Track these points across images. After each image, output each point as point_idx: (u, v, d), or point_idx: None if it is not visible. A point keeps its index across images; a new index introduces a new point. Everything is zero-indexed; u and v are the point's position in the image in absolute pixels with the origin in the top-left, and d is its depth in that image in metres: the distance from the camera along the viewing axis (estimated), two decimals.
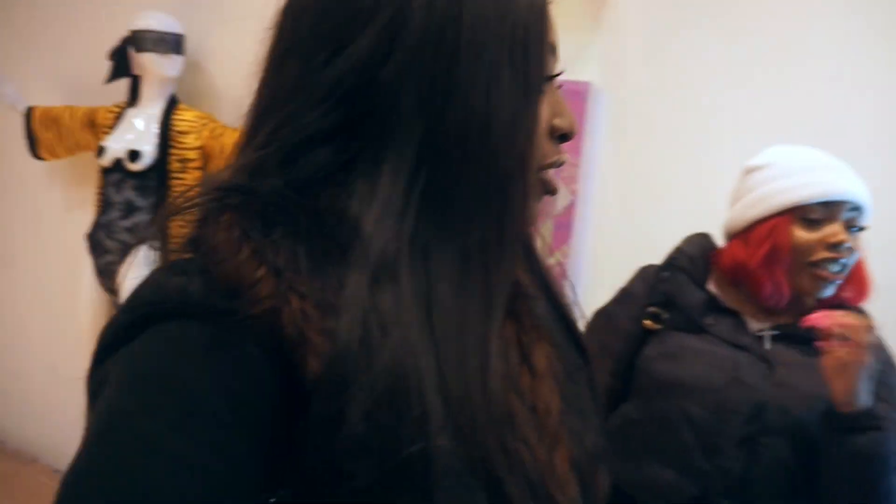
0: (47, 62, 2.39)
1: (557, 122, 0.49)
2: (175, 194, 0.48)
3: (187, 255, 0.42)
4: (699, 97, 1.43)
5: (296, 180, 0.43)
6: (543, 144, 0.48)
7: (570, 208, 1.47)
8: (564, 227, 1.46)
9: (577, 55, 1.47)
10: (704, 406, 0.99)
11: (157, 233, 0.44)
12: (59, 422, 1.90)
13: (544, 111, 0.47)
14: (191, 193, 0.45)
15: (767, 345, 1.04)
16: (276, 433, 0.38)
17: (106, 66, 2.07)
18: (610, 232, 1.51)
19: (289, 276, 0.39)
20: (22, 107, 2.22)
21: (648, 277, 1.12)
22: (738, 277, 1.06)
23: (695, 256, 1.11)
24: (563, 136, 0.50)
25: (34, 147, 2.23)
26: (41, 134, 2.20)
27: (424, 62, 0.42)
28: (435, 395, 0.39)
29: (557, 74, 0.49)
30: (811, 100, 1.36)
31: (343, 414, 0.36)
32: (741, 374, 1.00)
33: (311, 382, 0.37)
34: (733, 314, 1.07)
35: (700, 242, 1.14)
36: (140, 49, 1.95)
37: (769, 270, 1.01)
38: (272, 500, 0.38)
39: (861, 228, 1.02)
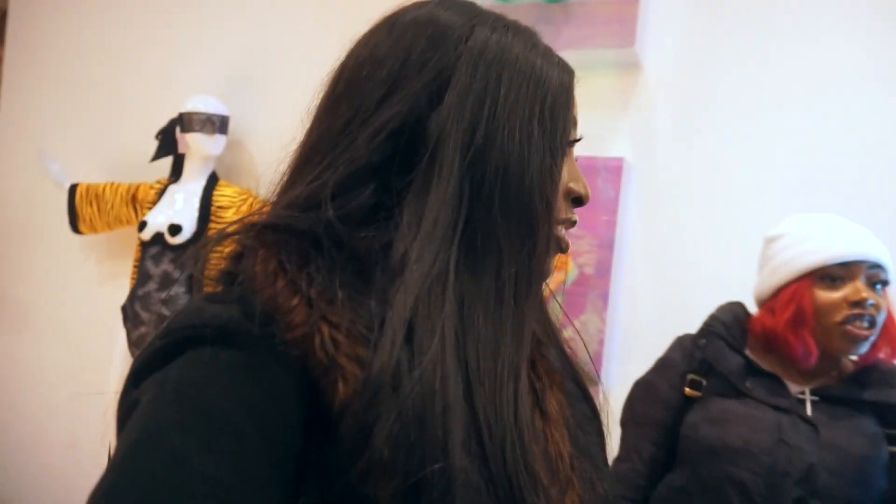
0: (91, 140, 2.50)
1: (573, 185, 0.53)
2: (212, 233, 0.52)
3: (222, 288, 0.45)
4: (726, 169, 1.48)
5: (342, 215, 0.45)
6: (562, 202, 0.53)
7: (581, 281, 1.50)
8: (577, 298, 1.49)
9: (610, 132, 1.54)
10: (754, 470, 1.00)
11: (195, 265, 0.47)
12: (77, 499, 1.84)
13: (564, 173, 0.52)
14: (229, 230, 0.47)
15: (808, 407, 1.06)
16: (299, 456, 0.39)
17: (149, 145, 2.17)
18: (642, 302, 1.52)
19: (321, 306, 0.41)
20: (66, 183, 2.31)
21: (686, 346, 1.15)
22: (769, 343, 1.10)
23: (729, 323, 1.15)
24: (577, 200, 0.54)
25: (75, 223, 2.30)
26: (83, 210, 2.27)
27: (468, 112, 0.46)
28: (459, 420, 0.40)
29: (577, 140, 0.54)
30: (838, 171, 1.40)
31: (369, 437, 0.38)
32: (786, 436, 1.02)
33: (338, 407, 0.39)
34: (772, 377, 1.09)
35: (733, 310, 1.18)
36: (187, 129, 2.05)
37: (796, 333, 1.05)
38: None
39: (885, 283, 1.05)
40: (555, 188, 0.50)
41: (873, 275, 1.04)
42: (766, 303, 1.11)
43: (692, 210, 1.49)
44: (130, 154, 2.32)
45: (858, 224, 1.07)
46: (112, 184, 2.26)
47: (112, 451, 0.37)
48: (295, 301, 0.41)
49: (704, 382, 1.11)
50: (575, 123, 0.53)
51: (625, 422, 1.20)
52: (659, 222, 1.51)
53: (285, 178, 0.51)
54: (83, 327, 2.47)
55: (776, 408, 1.05)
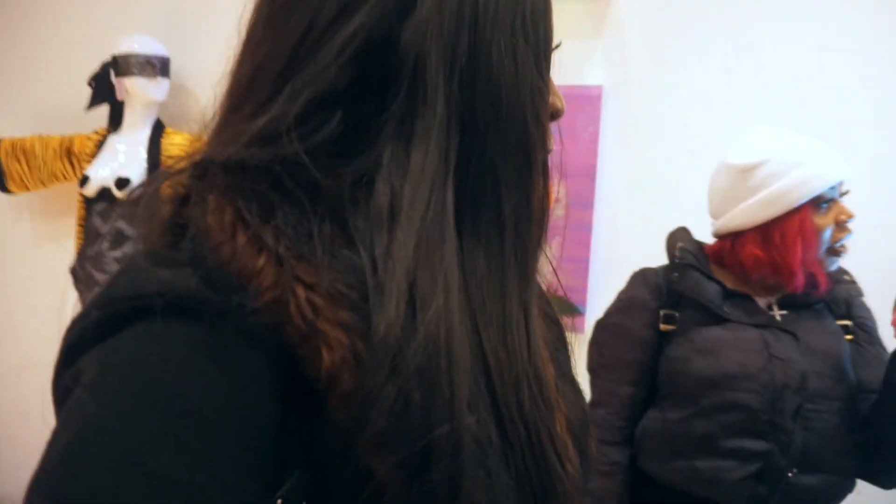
0: (14, 89, 2.28)
1: (552, 99, 0.49)
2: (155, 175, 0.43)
3: (165, 242, 0.39)
4: (701, 96, 1.49)
5: (306, 150, 0.39)
6: None
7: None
8: (555, 230, 1.50)
9: (585, 60, 1.52)
10: (755, 390, 1.03)
11: (136, 217, 0.40)
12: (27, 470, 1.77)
13: None
14: (173, 171, 0.40)
15: (778, 317, 1.11)
16: (277, 438, 0.34)
17: (82, 92, 1.99)
18: (624, 232, 1.55)
19: (292, 264, 0.35)
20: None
21: (651, 281, 1.15)
22: (759, 272, 1.10)
23: (696, 252, 1.15)
24: (553, 114, 0.50)
25: (2, 181, 2.11)
26: (10, 167, 2.08)
27: (446, 24, 0.40)
28: (466, 374, 0.37)
29: (556, 47, 0.49)
30: (814, 94, 1.44)
31: (368, 410, 0.34)
32: (774, 350, 1.06)
33: (325, 377, 0.34)
34: (744, 297, 1.11)
35: (690, 238, 1.19)
36: (123, 73, 1.89)
37: (805, 263, 1.06)
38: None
39: (843, 195, 1.11)
40: (545, 107, 0.46)
41: (842, 190, 1.09)
42: (749, 232, 1.09)
43: (670, 136, 1.50)
44: (59, 105, 2.13)
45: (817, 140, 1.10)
46: (41, 137, 2.07)
47: (49, 442, 0.31)
48: (261, 261, 0.35)
49: (677, 315, 1.11)
50: (552, 33, 0.48)
51: (595, 367, 1.18)
52: (637, 150, 1.52)
53: (221, 112, 0.44)
54: (21, 293, 2.31)
55: (756, 325, 1.08)
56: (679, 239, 1.18)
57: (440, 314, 0.37)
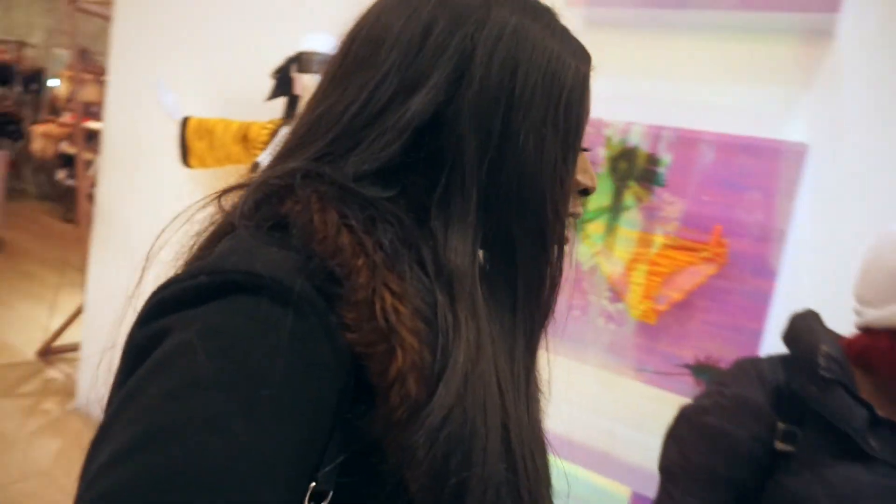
0: (207, 76, 2.48)
1: (581, 177, 0.53)
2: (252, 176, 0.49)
3: (265, 227, 0.42)
4: None
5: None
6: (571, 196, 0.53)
7: (730, 275, 1.35)
8: (719, 294, 1.34)
9: (787, 112, 1.35)
10: None
11: (243, 209, 0.43)
12: None
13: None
14: (276, 175, 0.45)
15: None
16: (329, 429, 0.38)
17: (263, 84, 2.11)
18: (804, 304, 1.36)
19: (384, 273, 0.39)
20: (179, 116, 2.30)
21: (768, 380, 0.89)
22: (882, 372, 0.85)
23: (842, 360, 0.87)
24: (584, 191, 0.55)
25: (185, 156, 2.30)
26: (194, 143, 2.26)
27: (484, 108, 0.46)
28: (495, 427, 0.41)
29: (588, 149, 0.54)
30: None
31: (422, 441, 0.37)
32: None
33: (393, 375, 0.38)
34: (892, 426, 0.85)
35: (831, 335, 0.91)
36: (304, 70, 1.97)
37: None
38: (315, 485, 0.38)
39: None
40: (565, 195, 0.50)
41: None
42: None
43: (880, 207, 1.29)
44: (244, 92, 2.28)
45: None
46: (224, 120, 2.23)
47: (134, 381, 0.34)
48: (360, 261, 0.39)
49: (800, 433, 0.85)
50: (587, 115, 0.52)
51: (674, 472, 0.93)
52: (838, 221, 1.33)
53: (281, 150, 0.49)
54: None
55: None
56: (819, 336, 0.90)
57: (485, 379, 0.42)
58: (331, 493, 0.38)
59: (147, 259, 0.47)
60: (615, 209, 1.52)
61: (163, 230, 0.48)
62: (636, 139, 1.49)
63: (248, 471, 0.32)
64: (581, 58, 0.51)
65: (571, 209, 0.54)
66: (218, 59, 2.44)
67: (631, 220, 1.50)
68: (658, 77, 1.52)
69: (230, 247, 0.41)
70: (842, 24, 1.32)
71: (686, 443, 0.92)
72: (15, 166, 7.07)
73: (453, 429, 0.38)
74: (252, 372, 0.34)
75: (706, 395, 0.95)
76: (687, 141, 1.42)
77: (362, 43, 0.49)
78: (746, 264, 1.32)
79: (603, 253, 1.53)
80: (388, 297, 0.39)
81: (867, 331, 0.89)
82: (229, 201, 0.47)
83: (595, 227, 1.54)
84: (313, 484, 0.37)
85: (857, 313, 0.92)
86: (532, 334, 0.50)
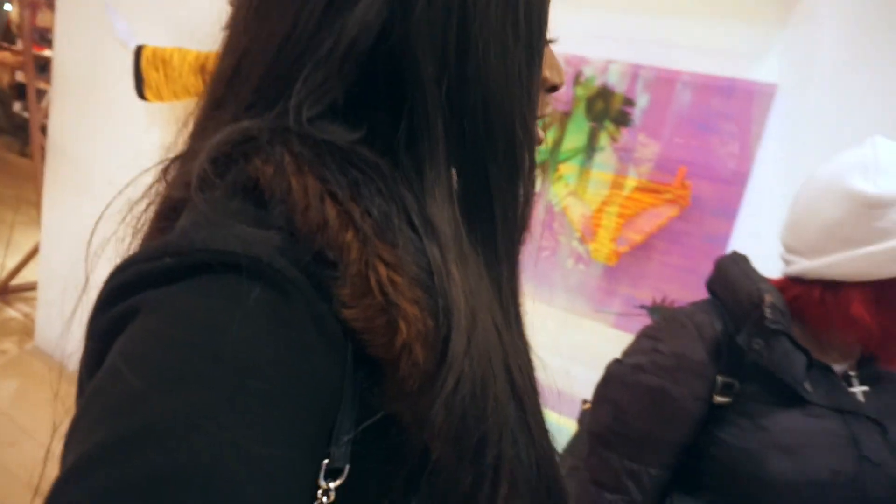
0: (161, 2, 2.34)
1: (548, 74, 0.50)
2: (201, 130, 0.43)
3: (231, 198, 0.38)
4: (892, 110, 1.26)
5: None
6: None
7: (693, 217, 1.35)
8: (682, 237, 1.35)
9: (759, 51, 1.32)
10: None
11: (200, 176, 0.38)
12: None
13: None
14: (233, 136, 0.39)
15: (861, 396, 0.86)
16: (332, 411, 0.36)
17: (223, 11, 2.00)
18: (762, 248, 1.37)
19: (375, 244, 0.37)
20: (132, 44, 2.18)
21: (707, 336, 0.85)
22: (855, 337, 0.85)
23: (782, 308, 0.84)
24: (552, 88, 0.51)
25: (140, 87, 2.19)
26: (149, 74, 2.16)
27: (435, 21, 0.40)
28: (502, 374, 0.41)
29: (554, 41, 0.50)
30: None
31: (437, 409, 0.36)
32: (865, 450, 0.81)
33: (398, 347, 0.36)
34: (822, 367, 0.85)
35: (767, 283, 0.87)
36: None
37: None
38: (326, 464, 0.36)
39: None
40: (533, 105, 0.46)
41: None
42: (857, 287, 0.82)
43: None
44: (200, 20, 2.15)
45: None
46: (180, 49, 2.12)
47: (100, 376, 0.31)
48: (349, 235, 0.36)
49: (737, 384, 0.83)
50: (548, 4, 0.47)
51: (607, 437, 0.89)
52: (801, 163, 1.32)
53: (201, 107, 0.44)
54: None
55: (839, 410, 0.83)
56: (759, 284, 0.86)
57: (485, 329, 0.40)
58: (346, 469, 0.36)
59: (88, 253, 0.42)
60: (589, 150, 1.49)
61: (101, 214, 0.43)
62: (614, 78, 1.45)
63: (239, 467, 0.29)
64: None
65: (539, 112, 0.49)
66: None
67: (604, 161, 1.48)
68: (635, 13, 1.47)
69: (194, 221, 0.36)
70: None
71: (622, 405, 0.88)
72: None
73: (466, 390, 0.37)
74: (232, 361, 0.31)
75: (639, 351, 0.90)
76: (662, 81, 1.39)
77: None
78: (707, 206, 1.32)
79: (574, 194, 1.51)
80: (383, 270, 0.36)
81: (798, 280, 0.87)
82: (173, 171, 0.42)
83: (568, 168, 1.52)
84: (326, 461, 0.35)
85: (787, 262, 0.89)
86: (513, 254, 0.48)
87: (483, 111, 0.42)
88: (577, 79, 1.50)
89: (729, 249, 1.32)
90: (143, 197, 0.43)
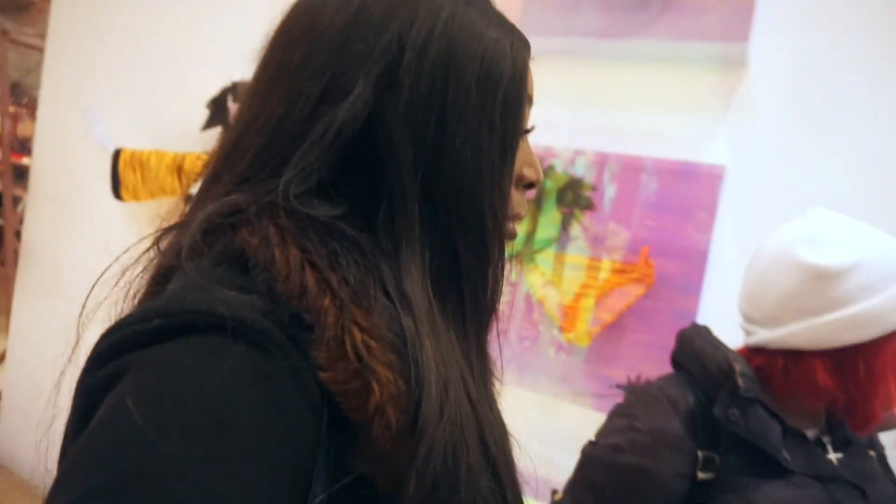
0: (139, 106, 2.43)
1: (526, 171, 0.52)
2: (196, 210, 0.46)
3: (218, 267, 0.40)
4: (838, 187, 1.33)
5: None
6: (514, 194, 0.51)
7: (659, 295, 1.37)
8: (652, 315, 1.37)
9: (706, 136, 1.41)
10: None
11: (191, 245, 0.41)
12: None
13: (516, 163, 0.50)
14: (221, 211, 0.43)
15: (835, 461, 0.86)
16: (309, 468, 0.37)
17: (199, 114, 2.08)
18: (727, 322, 1.40)
19: (351, 310, 0.38)
20: (111, 147, 2.24)
21: (682, 408, 0.84)
22: (823, 404, 0.86)
23: (752, 376, 0.84)
24: (529, 185, 0.53)
25: (117, 188, 2.23)
26: (126, 176, 2.20)
27: (416, 115, 0.43)
28: (475, 444, 0.42)
29: (530, 130, 0.52)
30: None
31: (409, 476, 0.37)
32: None
33: (371, 409, 0.37)
34: (797, 435, 0.85)
35: (733, 353, 0.88)
36: (239, 99, 1.95)
37: (886, 403, 0.81)
38: None
39: None
40: (504, 199, 0.48)
41: None
42: (818, 356, 0.82)
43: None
44: (178, 122, 2.24)
45: None
46: (157, 152, 2.18)
47: (90, 430, 0.32)
48: (326, 301, 0.38)
49: (718, 458, 0.82)
50: (531, 103, 0.51)
51: None
52: (755, 239, 1.37)
53: (203, 180, 0.48)
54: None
55: (820, 478, 0.82)
56: (726, 353, 0.86)
57: (457, 398, 0.42)
58: None
59: (82, 318, 0.44)
60: (562, 239, 1.53)
61: (96, 282, 0.45)
62: (581, 169, 1.51)
63: None
64: (518, 45, 0.48)
65: (516, 210, 0.52)
66: (151, 89, 2.40)
67: (579, 247, 1.51)
68: (599, 106, 1.56)
69: (183, 286, 0.38)
70: (752, 53, 1.38)
71: (602, 489, 0.85)
72: None
73: (438, 458, 0.38)
74: (216, 415, 0.32)
75: (615, 431, 0.88)
76: (627, 167, 1.46)
77: (283, 48, 0.46)
78: (672, 284, 1.35)
79: (550, 283, 1.54)
80: (358, 334, 0.38)
81: (760, 350, 0.87)
82: (166, 241, 0.45)
83: (543, 256, 1.55)
84: None
85: (747, 332, 0.90)
86: (481, 334, 0.50)
87: (456, 200, 0.45)
88: (546, 171, 1.57)
89: (698, 321, 1.34)
90: (136, 262, 0.45)
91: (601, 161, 1.49)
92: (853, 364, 0.81)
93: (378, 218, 0.44)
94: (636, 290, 1.39)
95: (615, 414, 0.91)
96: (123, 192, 2.23)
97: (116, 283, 0.44)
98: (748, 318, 0.91)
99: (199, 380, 0.33)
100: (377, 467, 0.38)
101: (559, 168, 1.54)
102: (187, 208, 0.48)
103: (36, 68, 3.74)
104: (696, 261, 1.34)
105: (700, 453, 0.81)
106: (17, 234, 3.08)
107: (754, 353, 0.88)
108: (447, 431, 0.39)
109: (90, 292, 0.44)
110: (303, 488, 0.36)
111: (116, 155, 2.22)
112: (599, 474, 0.86)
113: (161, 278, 0.43)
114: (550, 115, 1.60)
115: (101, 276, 0.44)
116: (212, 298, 0.36)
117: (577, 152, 1.52)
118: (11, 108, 3.82)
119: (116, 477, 0.29)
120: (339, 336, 0.38)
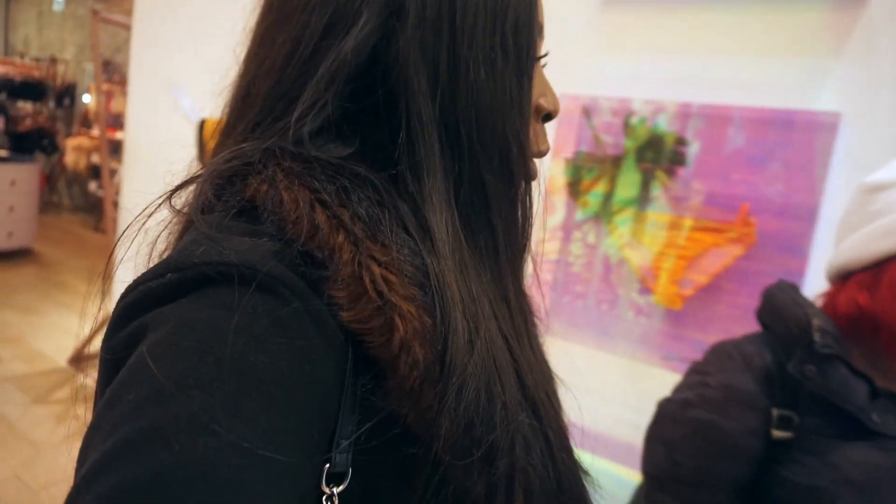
0: (221, 79, 2.48)
1: (542, 101, 0.50)
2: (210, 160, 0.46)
3: (230, 215, 0.39)
4: None
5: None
6: (533, 125, 0.49)
7: (760, 255, 1.27)
8: (750, 276, 1.27)
9: (818, 81, 1.28)
10: None
11: (202, 199, 0.41)
12: None
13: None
14: (227, 160, 0.42)
15: None
16: (333, 414, 0.36)
17: None
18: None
19: (367, 245, 0.38)
20: (196, 119, 2.32)
21: (756, 365, 0.81)
22: (861, 331, 0.79)
23: (832, 331, 0.79)
24: (546, 116, 0.51)
25: (202, 155, 2.31)
26: (211, 144, 2.27)
27: (425, 42, 0.42)
28: (510, 380, 0.41)
29: (544, 55, 0.50)
30: None
31: (441, 419, 0.36)
32: None
33: (396, 345, 0.36)
34: (890, 395, 0.78)
35: (815, 307, 0.82)
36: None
37: None
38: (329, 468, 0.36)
39: None
40: (525, 124, 0.46)
41: None
42: (857, 274, 0.79)
43: None
44: None
45: None
46: None
47: (111, 390, 0.32)
48: (340, 238, 0.37)
49: (796, 418, 0.78)
50: (541, 31, 0.49)
51: (662, 478, 0.83)
52: None
53: (220, 133, 0.47)
54: None
55: None
56: (806, 309, 0.81)
57: (489, 334, 0.40)
58: (349, 473, 0.36)
59: (105, 277, 0.45)
60: (642, 200, 1.46)
61: (117, 241, 0.45)
62: (663, 124, 1.43)
63: (242, 468, 0.30)
64: None
65: (537, 146, 0.50)
66: (232, 63, 2.45)
67: (659, 205, 1.44)
68: (681, 54, 1.46)
69: (193, 239, 0.38)
70: None
71: (673, 443, 0.83)
72: (49, 180, 7.25)
73: (471, 395, 0.37)
74: (234, 366, 0.32)
75: (688, 386, 0.86)
76: (715, 119, 1.36)
77: None
78: (776, 243, 1.25)
79: (631, 244, 1.47)
80: (376, 269, 0.37)
81: (829, 281, 0.87)
82: (182, 199, 0.45)
83: (622, 218, 1.49)
84: (327, 466, 0.36)
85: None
86: (517, 271, 0.49)
87: (477, 125, 0.43)
88: (625, 128, 1.49)
89: (806, 286, 1.24)
90: (160, 222, 0.45)
91: (686, 112, 1.39)
92: (879, 279, 0.76)
93: (395, 151, 0.43)
94: (734, 251, 1.30)
95: (691, 370, 0.90)
96: (208, 159, 2.31)
97: (131, 242, 0.44)
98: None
99: (217, 333, 0.33)
100: (407, 405, 0.37)
101: (639, 119, 1.46)
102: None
103: (124, 46, 3.90)
104: (804, 218, 1.23)
105: (775, 411, 0.78)
106: (114, 204, 3.26)
107: (830, 291, 0.86)
108: (479, 368, 0.38)
109: (112, 252, 0.44)
110: (329, 432, 0.36)
111: (201, 125, 2.29)
112: (670, 429, 0.84)
113: (182, 234, 0.43)
114: (633, 66, 1.50)
115: (122, 235, 0.45)
116: (222, 248, 0.36)
117: (660, 104, 1.43)
118: (105, 86, 4.03)
119: (135, 436, 0.29)
120: (357, 273, 0.37)
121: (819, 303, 0.86)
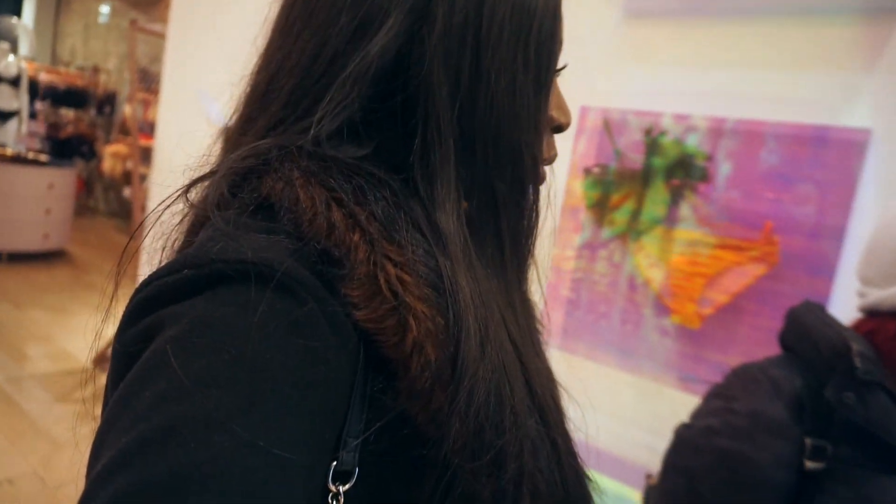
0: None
1: (555, 113, 0.50)
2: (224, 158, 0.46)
3: (246, 213, 0.39)
4: None
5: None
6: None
7: (784, 276, 1.22)
8: (773, 298, 1.22)
9: (847, 97, 1.23)
10: None
11: (218, 195, 0.41)
12: None
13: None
14: (244, 157, 0.42)
15: None
16: (343, 415, 0.36)
17: None
18: None
19: (382, 245, 0.38)
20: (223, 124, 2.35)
21: (785, 390, 0.75)
22: None
23: (872, 357, 0.73)
24: (557, 128, 0.51)
25: None
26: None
27: (451, 49, 0.42)
28: (519, 385, 0.41)
29: (562, 68, 0.50)
30: None
31: (452, 421, 0.36)
32: None
33: (409, 345, 0.36)
34: None
35: (850, 331, 0.77)
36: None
37: None
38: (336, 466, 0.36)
39: None
40: (540, 135, 0.47)
41: None
42: None
43: None
44: None
45: None
46: None
47: (125, 386, 0.32)
48: (356, 237, 0.37)
49: (830, 448, 0.72)
50: (561, 45, 0.49)
51: None
52: None
53: (237, 123, 0.47)
54: None
55: None
56: (841, 331, 0.77)
57: (499, 338, 0.40)
58: (356, 472, 0.36)
59: (119, 271, 0.45)
60: (670, 220, 1.42)
61: (131, 237, 0.46)
62: (694, 143, 1.39)
63: (257, 468, 0.30)
64: None
65: (547, 152, 0.50)
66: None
67: (688, 224, 1.40)
68: (707, 68, 1.43)
69: (210, 236, 0.38)
70: None
71: (694, 473, 0.77)
72: (87, 185, 7.46)
73: (481, 399, 0.37)
74: (249, 365, 0.32)
75: (710, 412, 0.80)
76: (747, 136, 1.32)
77: None
78: (801, 264, 1.20)
79: (657, 265, 1.43)
80: (391, 269, 0.37)
81: (871, 313, 0.79)
82: (197, 194, 0.45)
83: (650, 237, 1.45)
84: (335, 464, 0.36)
85: (861, 295, 0.82)
86: (522, 280, 0.50)
87: (492, 136, 0.43)
88: (654, 145, 1.45)
89: (832, 309, 1.19)
90: (174, 216, 0.45)
91: (717, 128, 1.35)
92: None
93: (409, 156, 0.43)
94: (756, 270, 1.25)
95: (712, 395, 0.84)
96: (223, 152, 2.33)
97: (145, 235, 0.44)
98: (863, 280, 0.82)
99: (232, 332, 0.33)
100: (418, 406, 0.37)
101: (669, 137, 1.42)
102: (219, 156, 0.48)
103: (161, 56, 4.01)
104: (831, 238, 1.18)
105: (808, 441, 0.72)
106: (143, 209, 3.33)
107: (866, 319, 0.79)
108: (489, 371, 0.38)
109: (126, 246, 0.45)
110: (339, 432, 0.36)
111: None
112: (692, 458, 0.78)
113: (196, 229, 0.43)
114: (662, 80, 1.47)
115: (136, 230, 0.45)
116: (239, 245, 0.35)
117: (689, 119, 1.39)
118: (141, 95, 4.14)
119: (150, 434, 0.29)
120: (372, 272, 0.37)
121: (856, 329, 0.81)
